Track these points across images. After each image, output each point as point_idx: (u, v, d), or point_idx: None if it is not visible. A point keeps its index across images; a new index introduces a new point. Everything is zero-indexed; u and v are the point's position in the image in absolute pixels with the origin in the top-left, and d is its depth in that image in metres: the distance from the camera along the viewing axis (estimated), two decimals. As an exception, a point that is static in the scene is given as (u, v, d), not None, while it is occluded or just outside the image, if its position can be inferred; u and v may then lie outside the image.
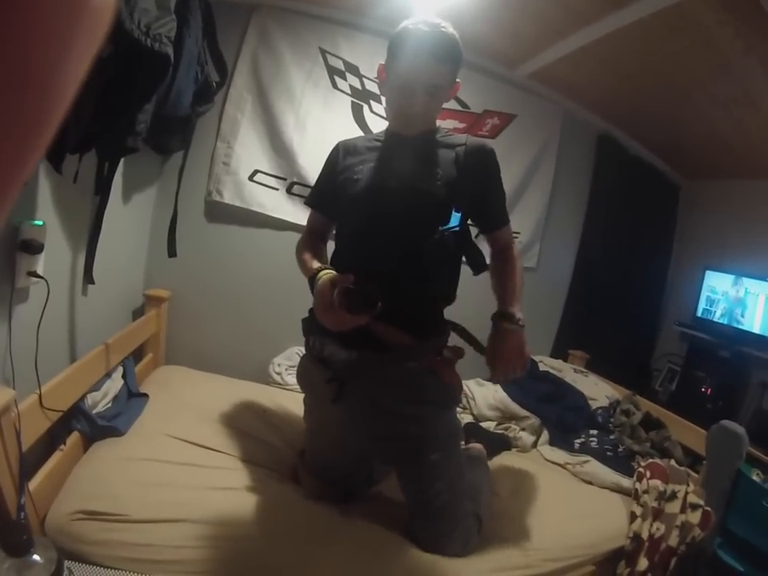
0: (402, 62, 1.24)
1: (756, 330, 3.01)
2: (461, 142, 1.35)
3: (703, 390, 3.08)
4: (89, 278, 1.68)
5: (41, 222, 1.31)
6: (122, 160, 1.67)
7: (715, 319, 3.26)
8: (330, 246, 1.53)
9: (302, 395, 1.60)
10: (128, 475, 1.36)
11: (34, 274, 1.29)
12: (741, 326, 3.09)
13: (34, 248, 1.26)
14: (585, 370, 2.92)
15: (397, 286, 1.22)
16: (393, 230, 1.28)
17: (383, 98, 1.44)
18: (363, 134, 1.67)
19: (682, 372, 3.35)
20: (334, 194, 1.41)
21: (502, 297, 1.34)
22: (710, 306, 3.31)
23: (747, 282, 3.11)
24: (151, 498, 1.29)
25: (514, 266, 1.39)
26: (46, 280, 1.32)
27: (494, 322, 1.30)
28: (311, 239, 1.51)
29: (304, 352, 1.55)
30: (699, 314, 3.36)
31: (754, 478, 1.76)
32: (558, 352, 3.25)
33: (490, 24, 2.35)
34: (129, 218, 2.12)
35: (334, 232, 1.52)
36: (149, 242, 2.44)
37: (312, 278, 1.22)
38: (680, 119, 2.93)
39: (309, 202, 1.56)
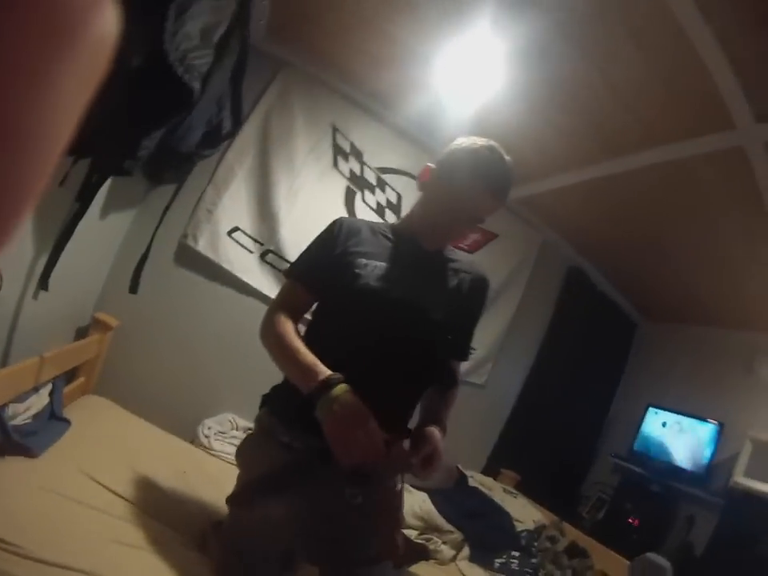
0: (458, 184, 1.15)
1: (687, 466, 3.16)
2: (466, 269, 1.32)
3: (630, 520, 3.15)
4: (44, 283, 1.58)
5: (12, 208, 1.23)
6: (111, 175, 1.62)
7: (650, 454, 3.38)
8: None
9: (226, 463, 1.42)
10: (33, 504, 1.21)
11: (-9, 261, 1.20)
12: (673, 462, 3.24)
13: (-4, 233, 1.17)
14: (515, 491, 2.93)
15: (383, 393, 1.09)
16: (396, 348, 1.19)
17: (419, 196, 1.31)
18: (363, 219, 1.56)
19: (612, 501, 3.42)
20: (330, 273, 1.23)
21: (436, 413, 1.25)
22: (647, 441, 3.44)
23: (684, 421, 3.28)
24: (52, 536, 1.14)
25: (453, 402, 1.33)
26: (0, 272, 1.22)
27: (422, 428, 1.16)
28: (294, 322, 1.24)
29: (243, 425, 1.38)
30: (635, 447, 3.48)
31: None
32: (490, 469, 3.24)
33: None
34: (99, 234, 2.03)
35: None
36: (112, 264, 2.33)
37: (323, 385, 1.03)
38: (653, 269, 3.10)
39: (298, 274, 1.29)
